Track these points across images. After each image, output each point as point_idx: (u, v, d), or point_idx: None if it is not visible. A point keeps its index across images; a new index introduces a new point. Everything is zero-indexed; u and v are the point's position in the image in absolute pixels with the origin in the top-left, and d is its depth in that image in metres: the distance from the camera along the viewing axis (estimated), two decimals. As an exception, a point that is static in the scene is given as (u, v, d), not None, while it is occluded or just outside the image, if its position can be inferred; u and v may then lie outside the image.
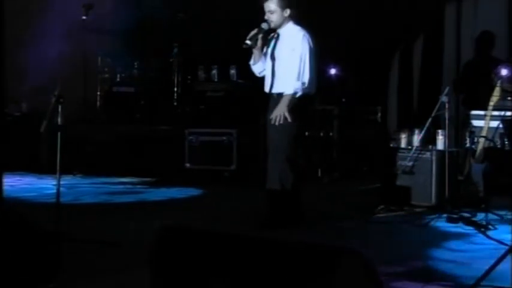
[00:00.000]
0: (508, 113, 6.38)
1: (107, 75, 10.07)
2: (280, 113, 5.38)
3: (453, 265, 4.41)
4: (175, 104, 9.87)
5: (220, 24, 9.63)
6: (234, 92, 9.06)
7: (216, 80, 9.28)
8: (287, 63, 5.44)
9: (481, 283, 3.71)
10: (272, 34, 5.64)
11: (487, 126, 6.24)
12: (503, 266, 3.77)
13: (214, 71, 9.28)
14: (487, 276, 3.72)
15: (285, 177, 5.41)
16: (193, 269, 2.72)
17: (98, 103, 10.05)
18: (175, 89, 9.88)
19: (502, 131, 6.25)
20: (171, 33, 9.78)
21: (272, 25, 5.51)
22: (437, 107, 6.23)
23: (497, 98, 6.25)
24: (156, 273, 2.83)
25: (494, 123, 6.24)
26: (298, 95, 5.41)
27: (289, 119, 5.37)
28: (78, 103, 9.53)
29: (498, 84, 6.32)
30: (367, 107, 9.00)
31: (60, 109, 4.70)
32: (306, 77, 5.41)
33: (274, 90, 5.54)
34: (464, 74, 7.97)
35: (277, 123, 5.39)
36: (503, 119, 6.21)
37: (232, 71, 9.11)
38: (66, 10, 8.92)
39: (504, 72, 6.77)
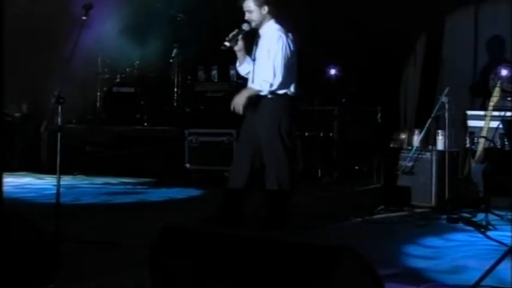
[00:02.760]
0: (508, 113, 6.38)
1: (107, 76, 10.07)
2: (238, 102, 5.38)
3: (453, 265, 4.41)
4: (175, 104, 9.87)
5: (220, 24, 9.63)
6: (234, 92, 8.99)
7: (216, 80, 9.28)
8: (262, 63, 5.42)
9: (481, 283, 3.70)
10: (254, 34, 5.60)
11: (487, 126, 6.24)
12: (503, 266, 3.77)
13: (214, 72, 9.28)
14: (487, 277, 3.72)
15: (282, 177, 5.40)
16: (193, 269, 2.72)
17: (98, 103, 10.06)
18: (175, 89, 9.88)
19: (502, 131, 6.25)
20: (171, 33, 9.79)
21: (253, 25, 5.46)
22: (437, 107, 6.24)
23: (497, 98, 6.26)
24: (156, 273, 2.83)
25: (494, 124, 6.24)
26: (262, 93, 5.39)
27: (240, 112, 5.37)
28: (78, 103, 9.53)
29: (498, 85, 6.33)
30: (367, 107, 9.00)
31: (60, 109, 4.69)
32: (277, 79, 5.33)
33: None
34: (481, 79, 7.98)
35: (236, 110, 5.38)
36: (503, 119, 6.22)
37: (232, 72, 9.11)
38: (66, 10, 8.93)
39: (504, 72, 6.78)
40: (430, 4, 8.66)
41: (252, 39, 5.59)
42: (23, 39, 9.17)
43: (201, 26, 9.82)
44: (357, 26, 8.74)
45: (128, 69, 9.93)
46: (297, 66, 5.51)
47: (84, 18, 4.83)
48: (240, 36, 5.46)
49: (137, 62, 9.93)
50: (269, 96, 5.42)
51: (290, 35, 5.48)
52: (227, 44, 5.43)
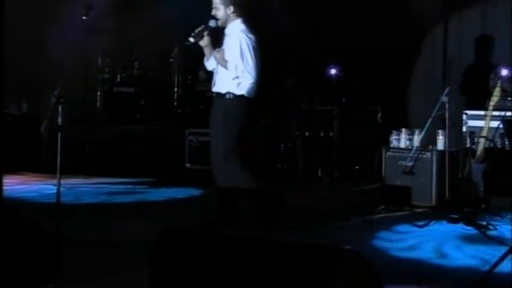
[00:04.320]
0: (508, 113, 6.38)
1: (107, 76, 10.07)
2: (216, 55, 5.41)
3: (453, 265, 4.41)
4: (175, 104, 9.87)
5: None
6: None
7: (216, 80, 9.27)
8: (228, 63, 5.40)
9: (481, 283, 3.70)
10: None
11: (487, 126, 6.24)
12: (504, 266, 3.78)
13: (215, 71, 9.27)
14: (487, 276, 3.72)
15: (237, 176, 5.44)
16: (193, 269, 2.72)
17: (98, 103, 10.06)
18: (176, 89, 9.89)
19: (502, 131, 6.25)
20: (171, 33, 9.79)
21: (219, 22, 5.48)
22: (437, 107, 6.23)
23: (497, 98, 6.26)
24: (156, 273, 2.83)
25: (495, 124, 6.23)
26: (229, 96, 5.41)
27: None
28: (78, 103, 9.53)
29: (498, 85, 6.32)
30: (367, 107, 9.00)
31: (60, 109, 4.69)
32: (243, 76, 5.35)
33: (215, 89, 5.57)
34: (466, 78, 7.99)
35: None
36: (503, 119, 6.21)
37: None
38: (66, 10, 8.94)
39: (504, 72, 6.77)
40: (431, 4, 8.67)
41: (219, 37, 5.60)
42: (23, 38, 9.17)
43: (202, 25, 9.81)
44: (357, 26, 8.74)
45: (128, 69, 9.93)
46: (260, 69, 5.47)
47: (84, 18, 4.84)
48: (205, 32, 5.48)
49: (137, 62, 9.93)
50: (227, 97, 5.44)
51: (253, 36, 5.46)
52: (191, 39, 5.47)
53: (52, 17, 9.19)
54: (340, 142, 8.74)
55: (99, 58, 10.03)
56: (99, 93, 10.04)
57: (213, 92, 5.61)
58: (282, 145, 8.66)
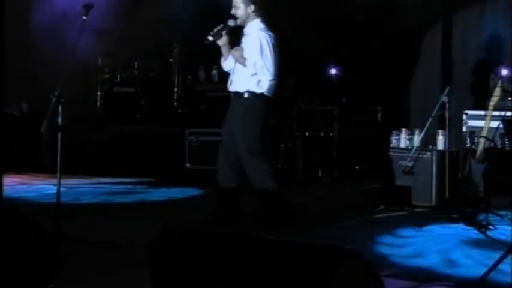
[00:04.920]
0: (508, 113, 6.38)
1: (107, 76, 10.08)
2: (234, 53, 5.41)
3: (453, 265, 4.41)
4: (175, 104, 9.87)
5: (220, 24, 9.62)
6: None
7: (216, 80, 9.28)
8: (247, 61, 5.39)
9: (481, 283, 3.70)
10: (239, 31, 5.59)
11: (487, 126, 6.24)
12: (504, 266, 3.77)
13: (215, 71, 9.28)
14: (487, 276, 3.72)
15: (262, 178, 5.41)
16: (193, 269, 2.72)
17: (98, 103, 10.06)
18: (176, 89, 9.89)
19: (502, 131, 6.25)
20: (171, 33, 9.79)
21: (238, 22, 5.46)
22: (437, 107, 6.23)
23: (498, 98, 6.26)
24: (156, 273, 2.83)
25: (495, 123, 6.23)
26: (249, 94, 5.39)
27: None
28: (78, 103, 9.53)
29: (498, 85, 6.32)
30: (368, 106, 9.00)
31: (60, 109, 4.69)
32: (262, 73, 5.35)
33: (232, 89, 5.54)
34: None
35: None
36: (503, 119, 6.21)
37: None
38: (66, 10, 8.93)
39: (504, 72, 6.77)
40: (433, 4, 8.66)
41: (237, 36, 5.59)
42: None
43: (202, 25, 9.81)
44: (357, 26, 8.74)
45: (128, 69, 9.93)
46: (279, 67, 5.46)
47: (84, 18, 4.83)
48: (224, 32, 5.45)
49: (137, 62, 9.94)
50: (245, 96, 5.42)
51: (273, 34, 5.46)
52: (210, 38, 5.44)
53: (52, 16, 9.21)
54: (340, 142, 8.74)
55: (99, 58, 10.03)
56: (99, 93, 10.05)
57: (230, 92, 5.57)
58: (282, 145, 8.66)
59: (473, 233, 5.40)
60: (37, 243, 3.46)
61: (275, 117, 8.74)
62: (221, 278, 2.62)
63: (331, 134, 8.77)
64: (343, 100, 8.98)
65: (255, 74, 5.34)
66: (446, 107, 6.13)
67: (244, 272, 2.58)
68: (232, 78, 5.56)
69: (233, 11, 5.47)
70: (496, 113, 6.30)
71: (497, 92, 6.28)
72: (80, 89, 10.03)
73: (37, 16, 9.54)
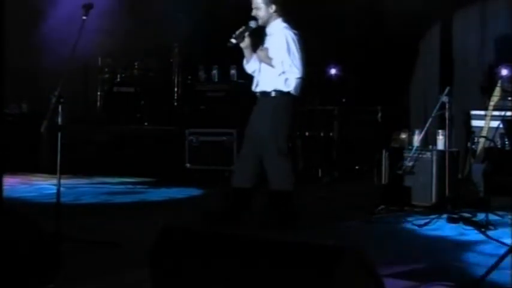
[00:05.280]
0: (508, 113, 6.38)
1: (107, 76, 10.08)
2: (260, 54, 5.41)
3: (453, 265, 4.41)
4: (175, 104, 9.87)
5: (220, 24, 9.63)
6: (234, 92, 9.06)
7: (216, 80, 9.29)
8: (274, 60, 5.38)
9: (481, 283, 3.70)
10: (261, 32, 5.58)
11: (487, 126, 6.24)
12: (503, 266, 3.77)
13: (215, 71, 9.28)
14: (487, 276, 3.72)
15: (284, 178, 5.40)
16: (193, 269, 2.72)
17: (99, 103, 10.07)
18: (176, 89, 9.89)
19: (502, 131, 6.25)
20: (171, 33, 9.79)
21: (260, 22, 5.46)
22: (437, 107, 6.23)
23: (498, 98, 6.26)
24: (156, 273, 2.83)
25: (495, 123, 6.24)
26: (276, 93, 5.39)
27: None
28: (78, 103, 9.53)
29: (498, 85, 6.33)
30: (368, 106, 9.00)
31: (60, 109, 4.69)
32: (291, 77, 5.36)
33: (258, 89, 5.53)
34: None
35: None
36: (503, 119, 6.21)
37: (233, 71, 9.11)
38: (66, 10, 8.93)
39: (504, 72, 6.77)
40: (434, 3, 8.65)
41: (258, 37, 5.58)
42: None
43: (202, 25, 9.82)
44: (357, 26, 8.74)
45: (128, 69, 9.93)
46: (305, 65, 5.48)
47: (84, 18, 4.83)
48: (246, 33, 5.44)
49: (137, 62, 9.94)
50: (273, 95, 5.42)
51: (298, 32, 5.47)
52: (233, 41, 5.40)
53: (52, 16, 9.21)
54: (340, 142, 8.75)
55: (99, 58, 10.03)
56: (99, 93, 10.05)
57: (255, 92, 5.54)
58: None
59: (473, 233, 5.40)
60: (37, 243, 3.46)
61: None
62: (221, 278, 2.62)
63: (331, 134, 8.77)
64: (343, 100, 8.98)
65: (283, 72, 5.34)
66: (446, 107, 6.13)
67: (244, 272, 2.58)
68: (258, 79, 5.53)
69: (254, 12, 5.46)
70: (496, 113, 6.31)
71: (497, 92, 6.29)
72: (80, 89, 10.04)
73: (37, 16, 9.54)
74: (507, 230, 5.21)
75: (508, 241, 4.30)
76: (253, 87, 5.59)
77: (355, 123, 8.90)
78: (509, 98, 6.61)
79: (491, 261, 3.86)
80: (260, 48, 5.47)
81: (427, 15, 8.82)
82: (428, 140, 6.82)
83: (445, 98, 6.14)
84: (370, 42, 8.66)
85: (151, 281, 2.82)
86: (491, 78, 7.20)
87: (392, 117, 8.73)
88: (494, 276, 3.74)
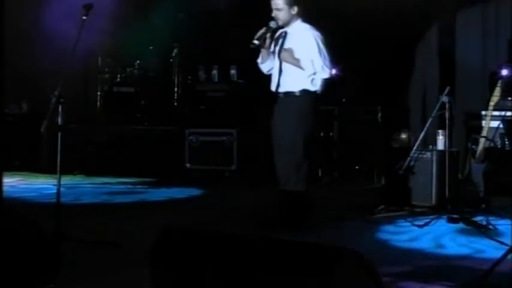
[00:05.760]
0: (508, 113, 6.38)
1: (107, 76, 10.08)
2: (285, 55, 5.41)
3: (453, 265, 4.41)
4: (175, 104, 9.87)
5: (220, 24, 9.63)
6: (234, 92, 9.07)
7: (216, 80, 9.29)
8: (302, 61, 5.36)
9: (481, 283, 3.70)
10: (280, 32, 5.56)
11: (487, 126, 6.24)
12: (503, 266, 3.78)
13: (215, 71, 9.29)
14: (487, 276, 3.72)
15: (302, 178, 5.39)
16: (193, 269, 2.72)
17: (98, 103, 10.06)
18: (176, 89, 9.89)
19: (502, 130, 6.25)
20: (171, 33, 9.79)
21: (280, 23, 5.45)
22: (437, 107, 6.23)
23: (498, 98, 6.26)
24: (156, 273, 2.83)
25: (495, 123, 6.24)
26: (302, 93, 5.38)
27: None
28: (78, 103, 9.53)
29: (498, 85, 6.33)
30: (368, 106, 8.99)
31: (60, 109, 4.69)
32: (317, 77, 5.39)
33: (281, 89, 5.48)
34: None
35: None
36: (503, 119, 6.21)
37: (233, 71, 9.12)
38: (65, 10, 8.93)
39: (504, 72, 6.77)
40: (434, 4, 8.66)
41: (272, 37, 5.57)
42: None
43: (201, 25, 9.82)
44: (357, 26, 8.73)
45: (128, 69, 9.93)
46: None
47: (84, 18, 4.83)
48: (268, 35, 5.44)
49: (137, 62, 9.94)
50: (298, 94, 5.41)
51: (319, 33, 5.47)
52: (256, 42, 5.39)
53: (52, 16, 9.21)
54: (340, 142, 8.75)
55: (99, 58, 10.03)
56: (99, 93, 10.05)
57: (277, 93, 5.50)
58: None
59: (472, 233, 5.40)
60: (37, 243, 3.46)
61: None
62: (221, 278, 2.62)
63: (331, 133, 8.77)
64: (343, 100, 8.97)
65: (314, 73, 5.35)
66: (446, 107, 6.13)
67: (244, 272, 2.58)
68: (280, 79, 5.48)
69: (274, 13, 5.43)
70: (496, 113, 6.30)
71: (497, 92, 6.29)
72: (80, 89, 10.04)
73: (37, 16, 9.54)
74: (507, 230, 5.21)
75: (507, 241, 4.29)
76: (272, 88, 5.54)
77: (355, 123, 8.89)
78: (509, 98, 6.61)
79: (491, 261, 3.86)
80: (284, 49, 5.46)
81: (427, 15, 8.83)
82: (428, 141, 6.82)
83: (445, 98, 6.14)
84: (370, 42, 8.66)
85: (151, 281, 2.82)
86: (491, 78, 7.21)
87: (392, 118, 8.73)
88: (494, 276, 3.74)
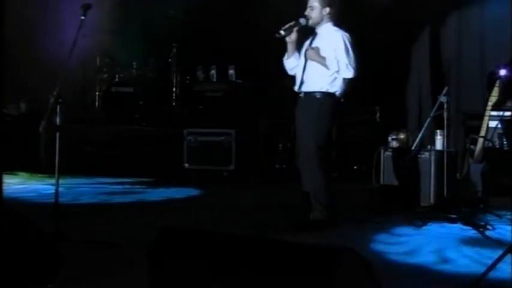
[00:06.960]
0: (507, 113, 6.39)
1: (105, 76, 10.08)
2: (311, 53, 5.41)
3: (452, 265, 4.41)
4: (174, 104, 9.88)
5: (219, 24, 9.63)
6: (232, 92, 9.07)
7: (214, 80, 9.30)
8: (328, 61, 5.37)
9: (480, 282, 3.71)
10: (312, 34, 5.57)
11: (485, 126, 6.25)
12: (502, 266, 3.78)
13: (213, 71, 9.29)
14: (486, 276, 3.73)
15: (318, 179, 5.39)
16: (193, 269, 2.72)
17: (97, 103, 10.07)
18: (174, 89, 9.89)
19: (500, 130, 6.26)
20: (171, 33, 9.80)
21: (310, 22, 5.46)
22: (436, 107, 6.24)
23: (496, 98, 6.27)
24: (155, 273, 2.83)
25: (493, 123, 6.25)
26: (322, 94, 5.39)
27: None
28: (77, 103, 9.53)
29: (497, 85, 6.34)
30: (366, 106, 9.00)
31: (58, 109, 4.69)
32: (339, 77, 5.40)
33: (304, 89, 5.48)
34: None
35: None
36: (501, 119, 6.22)
37: (231, 71, 9.12)
38: (65, 10, 8.93)
39: (502, 72, 6.79)
40: (432, 4, 8.67)
41: (303, 36, 5.56)
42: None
43: (201, 26, 9.82)
44: (356, 26, 8.74)
45: (126, 69, 9.94)
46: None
47: (82, 18, 4.83)
48: (295, 28, 5.44)
49: (136, 62, 9.94)
50: (317, 96, 5.41)
51: (349, 35, 5.48)
52: (282, 32, 5.39)
53: (52, 16, 9.21)
54: (340, 142, 8.74)
55: (98, 58, 10.03)
56: (97, 93, 10.06)
57: (299, 92, 5.49)
58: (280, 145, 8.66)
59: (471, 233, 5.40)
60: (36, 243, 3.46)
61: (274, 117, 8.76)
62: (221, 278, 2.62)
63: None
64: (342, 100, 8.96)
65: (337, 71, 5.35)
66: (445, 107, 6.14)
67: (244, 272, 2.59)
68: (303, 78, 5.48)
69: (307, 12, 5.46)
70: (494, 112, 6.31)
71: (495, 92, 6.30)
72: (79, 89, 10.03)
73: (37, 16, 9.54)
74: (505, 229, 5.21)
75: (506, 241, 4.30)
76: (296, 87, 5.54)
77: (353, 123, 8.90)
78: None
79: (490, 261, 3.86)
80: (310, 47, 5.46)
81: (422, 17, 8.84)
82: (425, 141, 6.82)
83: (443, 98, 6.15)
84: (368, 42, 8.66)
85: (149, 281, 2.82)
86: (490, 79, 7.22)
87: (390, 118, 8.73)
88: (493, 276, 3.74)
